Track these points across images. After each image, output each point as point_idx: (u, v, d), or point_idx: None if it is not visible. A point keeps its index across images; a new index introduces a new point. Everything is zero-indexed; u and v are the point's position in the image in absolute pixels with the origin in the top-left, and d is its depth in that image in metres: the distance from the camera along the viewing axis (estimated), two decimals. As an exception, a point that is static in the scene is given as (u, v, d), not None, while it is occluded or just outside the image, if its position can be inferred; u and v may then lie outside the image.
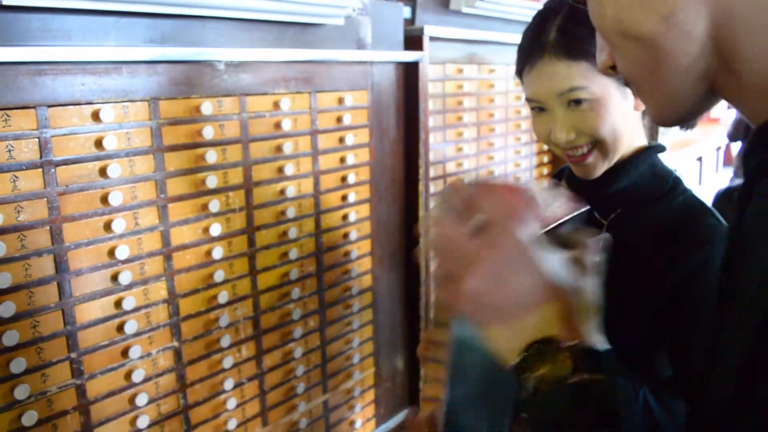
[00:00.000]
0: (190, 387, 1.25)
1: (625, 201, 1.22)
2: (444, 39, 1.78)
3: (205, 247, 1.24)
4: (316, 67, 1.40)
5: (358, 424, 1.70)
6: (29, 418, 1.00)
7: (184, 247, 1.20)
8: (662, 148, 1.24)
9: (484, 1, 1.88)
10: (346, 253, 1.57)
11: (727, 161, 6.53)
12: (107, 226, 1.08)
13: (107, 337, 1.11)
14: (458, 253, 0.68)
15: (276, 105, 1.33)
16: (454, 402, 0.86)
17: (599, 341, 0.71)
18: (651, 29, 0.60)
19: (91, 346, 1.08)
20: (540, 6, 1.20)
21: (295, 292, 1.44)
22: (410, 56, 1.63)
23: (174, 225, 1.18)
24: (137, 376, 1.14)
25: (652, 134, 2.36)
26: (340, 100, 1.47)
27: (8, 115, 0.95)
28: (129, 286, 1.12)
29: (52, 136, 1.00)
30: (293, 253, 1.41)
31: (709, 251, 1.11)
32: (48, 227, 1.01)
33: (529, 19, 1.19)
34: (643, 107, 1.19)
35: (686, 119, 0.70)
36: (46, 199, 1.00)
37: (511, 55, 1.24)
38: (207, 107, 1.19)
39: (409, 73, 1.66)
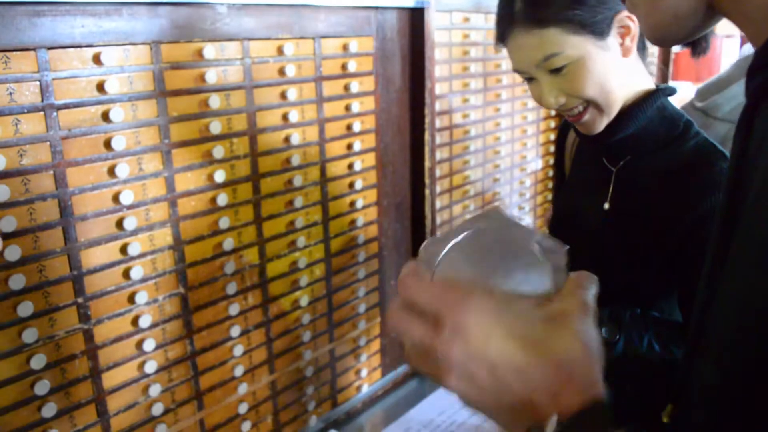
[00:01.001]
0: (197, 333, 1.26)
1: (635, 147, 1.21)
2: (451, -15, 1.75)
3: (210, 194, 1.23)
4: (320, 12, 1.37)
5: (363, 373, 1.71)
6: (38, 361, 1.01)
7: (188, 193, 1.19)
8: (671, 91, 1.21)
9: (492, -53, 1.84)
10: (352, 203, 1.56)
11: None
12: (111, 171, 1.07)
13: (113, 283, 1.11)
14: (430, 357, 0.56)
15: (280, 50, 1.31)
16: None
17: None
18: None
19: (97, 291, 1.09)
20: None
21: (301, 241, 1.43)
22: (416, 2, 1.60)
23: (178, 171, 1.17)
24: (144, 322, 1.15)
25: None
26: (345, 47, 1.45)
27: (8, 57, 0.93)
28: (134, 232, 1.12)
29: (53, 79, 0.99)
30: (298, 202, 1.40)
31: (719, 197, 1.09)
32: (52, 171, 1.00)
33: None
34: (633, 53, 1.17)
35: (684, 39, 0.67)
36: (48, 143, 0.99)
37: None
38: (209, 51, 1.17)
39: (415, 20, 1.63)
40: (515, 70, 1.20)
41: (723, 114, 1.80)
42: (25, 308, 0.98)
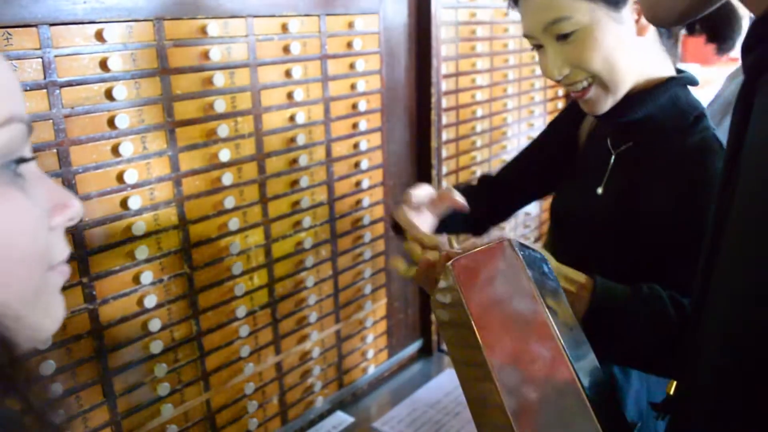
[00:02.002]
0: (203, 314, 1.25)
1: (639, 134, 1.15)
2: (457, -38, 1.72)
3: (215, 173, 1.22)
4: (325, -11, 1.35)
5: (370, 354, 1.71)
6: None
7: (193, 172, 1.18)
8: (692, 81, 1.15)
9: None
10: (358, 183, 1.55)
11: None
12: (115, 150, 1.06)
13: (118, 263, 1.10)
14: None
15: (284, 28, 1.29)
16: None
17: None
18: None
19: (102, 271, 1.08)
20: None
21: (307, 221, 1.42)
22: (422, -21, 1.58)
23: (182, 150, 1.16)
24: (149, 302, 1.14)
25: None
26: (350, 24, 1.43)
27: (10, 34, 0.92)
28: (139, 212, 1.11)
29: (56, 56, 0.97)
30: (304, 181, 1.39)
31: (714, 196, 1.05)
32: (55, 150, 0.99)
33: None
34: (650, 33, 1.12)
35: (686, 18, 0.64)
36: (51, 120, 0.98)
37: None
38: (213, 28, 1.16)
39: (421, -2, 1.61)
40: (525, 35, 1.16)
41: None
42: (30, 288, 0.98)
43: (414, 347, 1.85)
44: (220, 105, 1.19)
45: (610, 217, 1.17)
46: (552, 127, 1.47)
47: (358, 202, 1.56)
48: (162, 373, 1.19)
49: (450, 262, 0.77)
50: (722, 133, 1.81)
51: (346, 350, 1.64)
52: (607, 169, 1.20)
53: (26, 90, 0.94)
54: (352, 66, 1.46)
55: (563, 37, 1.08)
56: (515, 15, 2.00)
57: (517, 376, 0.69)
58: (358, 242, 1.59)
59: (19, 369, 0.44)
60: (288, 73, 1.31)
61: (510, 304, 0.74)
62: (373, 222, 1.62)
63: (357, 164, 1.53)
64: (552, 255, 0.97)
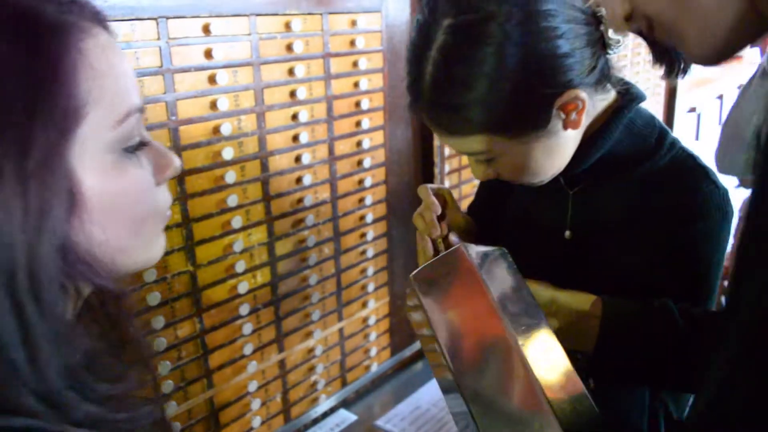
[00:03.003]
0: (206, 311, 1.26)
1: (600, 171, 1.02)
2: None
3: (218, 171, 1.22)
4: (327, -13, 1.36)
5: (373, 352, 1.71)
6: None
7: (196, 170, 1.19)
8: (640, 97, 1.01)
9: None
10: (360, 181, 1.55)
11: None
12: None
13: (122, 261, 1.10)
14: None
15: (287, 26, 1.29)
16: None
17: None
18: None
19: (106, 268, 1.08)
20: None
21: (310, 219, 1.43)
22: (425, -22, 1.58)
23: (186, 148, 1.16)
24: (153, 299, 1.14)
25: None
26: (353, 23, 1.43)
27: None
28: (142, 210, 1.11)
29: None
30: (307, 180, 1.39)
31: (702, 228, 0.96)
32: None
33: None
34: (582, 125, 0.95)
35: (733, 52, 0.59)
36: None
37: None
38: (216, 27, 1.16)
39: (424, -4, 1.61)
40: None
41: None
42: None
43: (417, 345, 1.85)
44: (224, 103, 1.19)
45: (585, 259, 1.05)
46: None
47: (361, 200, 1.57)
48: (165, 371, 1.19)
49: (411, 275, 0.79)
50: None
51: (349, 348, 1.64)
52: (568, 211, 1.07)
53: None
54: (354, 64, 1.46)
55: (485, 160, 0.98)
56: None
57: (481, 388, 0.70)
58: (360, 240, 1.59)
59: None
60: (291, 72, 1.32)
61: (468, 310, 0.74)
62: (376, 220, 1.62)
63: (360, 162, 1.53)
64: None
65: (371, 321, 1.68)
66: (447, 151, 1.80)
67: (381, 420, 1.58)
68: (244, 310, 1.32)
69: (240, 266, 1.29)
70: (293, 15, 1.30)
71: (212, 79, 1.18)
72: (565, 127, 0.93)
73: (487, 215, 1.24)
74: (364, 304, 1.65)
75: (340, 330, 1.60)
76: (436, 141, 1.70)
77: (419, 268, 0.78)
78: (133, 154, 0.61)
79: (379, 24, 1.50)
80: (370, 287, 1.65)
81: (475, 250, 0.79)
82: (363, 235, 1.60)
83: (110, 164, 0.58)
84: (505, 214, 1.22)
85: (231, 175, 1.23)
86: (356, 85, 1.47)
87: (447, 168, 1.82)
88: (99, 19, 0.59)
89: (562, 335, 0.80)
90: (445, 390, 0.78)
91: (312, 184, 1.42)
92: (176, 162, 0.66)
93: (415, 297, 0.77)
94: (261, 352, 1.40)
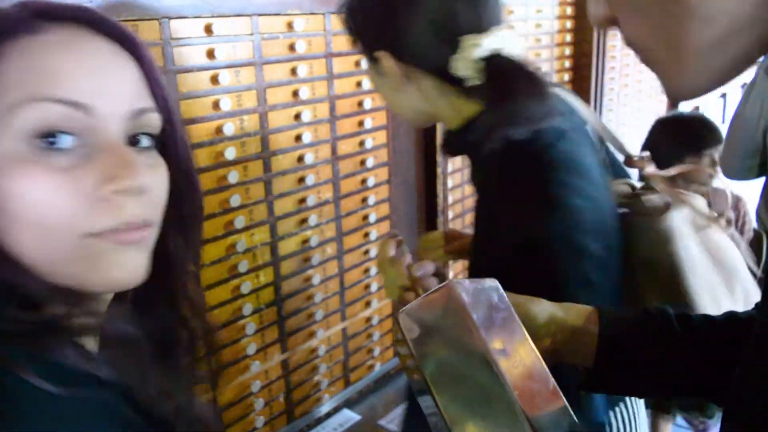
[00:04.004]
0: (209, 312, 1.26)
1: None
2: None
3: (221, 171, 1.22)
4: (330, -13, 1.36)
5: (376, 352, 1.71)
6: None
7: (199, 171, 1.18)
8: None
9: None
10: (363, 181, 1.55)
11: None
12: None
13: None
14: None
15: (290, 26, 1.29)
16: None
17: None
18: None
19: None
20: None
21: (313, 219, 1.43)
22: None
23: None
24: (156, 300, 1.15)
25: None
26: (356, 23, 1.43)
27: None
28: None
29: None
30: (310, 179, 1.39)
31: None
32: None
33: None
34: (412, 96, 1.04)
35: (716, 88, 0.53)
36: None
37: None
38: (218, 27, 1.16)
39: (426, -4, 1.61)
40: None
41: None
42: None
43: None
44: (226, 103, 1.19)
45: (477, 223, 1.10)
46: None
47: (364, 199, 1.57)
48: (169, 371, 1.19)
49: (398, 313, 0.78)
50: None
51: (352, 348, 1.64)
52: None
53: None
54: (357, 64, 1.46)
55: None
56: (520, 10, 2.00)
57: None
58: (364, 240, 1.59)
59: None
60: (293, 71, 1.32)
61: (458, 351, 0.74)
62: (379, 220, 1.62)
63: (363, 162, 1.53)
64: None
65: (374, 321, 1.68)
66: (450, 150, 1.80)
67: (384, 420, 1.58)
68: (247, 309, 1.32)
69: (243, 266, 1.29)
70: (295, 15, 1.30)
71: (215, 80, 1.18)
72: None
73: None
74: (368, 304, 1.65)
75: (343, 330, 1.60)
76: (439, 139, 1.70)
77: (408, 305, 0.77)
78: (46, 151, 0.52)
79: (381, 23, 1.50)
80: (373, 287, 1.65)
81: (465, 286, 0.78)
82: (366, 234, 1.60)
83: (12, 156, 0.51)
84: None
85: (234, 175, 1.23)
86: (359, 84, 1.47)
87: (450, 167, 1.82)
88: (53, 18, 0.56)
89: (562, 353, 0.81)
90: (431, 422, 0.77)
91: (315, 184, 1.42)
92: (125, 178, 0.54)
93: (399, 332, 0.76)
94: (264, 351, 1.40)
